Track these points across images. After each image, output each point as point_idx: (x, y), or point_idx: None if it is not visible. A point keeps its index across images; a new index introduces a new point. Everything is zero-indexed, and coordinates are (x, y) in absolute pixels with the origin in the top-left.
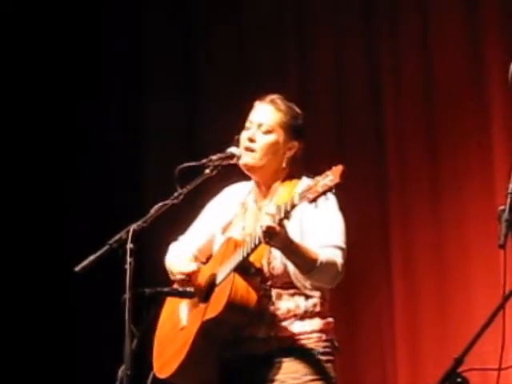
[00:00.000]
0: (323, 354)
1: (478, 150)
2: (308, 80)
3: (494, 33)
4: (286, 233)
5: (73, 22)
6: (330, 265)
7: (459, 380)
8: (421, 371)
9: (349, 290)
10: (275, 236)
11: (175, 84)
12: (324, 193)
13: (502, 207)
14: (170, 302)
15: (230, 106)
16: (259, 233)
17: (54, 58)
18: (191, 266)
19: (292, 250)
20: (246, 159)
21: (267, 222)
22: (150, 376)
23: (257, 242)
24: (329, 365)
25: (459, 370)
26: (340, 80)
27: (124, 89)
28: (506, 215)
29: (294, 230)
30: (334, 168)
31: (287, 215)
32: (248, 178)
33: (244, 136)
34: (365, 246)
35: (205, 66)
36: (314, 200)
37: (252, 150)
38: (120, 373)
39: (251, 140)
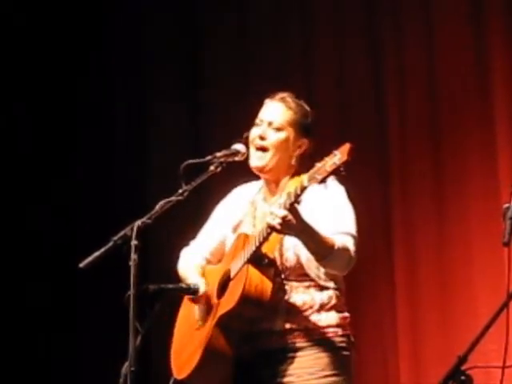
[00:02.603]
0: (339, 349)
1: (482, 148)
2: (311, 80)
3: (498, 33)
4: (300, 217)
5: (74, 22)
6: (344, 251)
7: (463, 378)
8: (423, 369)
9: (351, 287)
10: (287, 224)
11: (179, 81)
12: (333, 172)
13: (506, 205)
14: (185, 303)
15: (233, 103)
16: (270, 221)
17: (55, 57)
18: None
19: (309, 235)
20: (256, 162)
21: (277, 210)
22: (171, 382)
23: (268, 231)
24: (345, 360)
25: (463, 367)
26: (344, 80)
27: (127, 86)
28: (510, 213)
29: (307, 217)
30: (341, 147)
31: (297, 199)
32: (255, 175)
33: (254, 133)
34: (368, 244)
35: (207, 65)
36: (322, 180)
37: (264, 149)
38: (124, 369)
39: (262, 138)
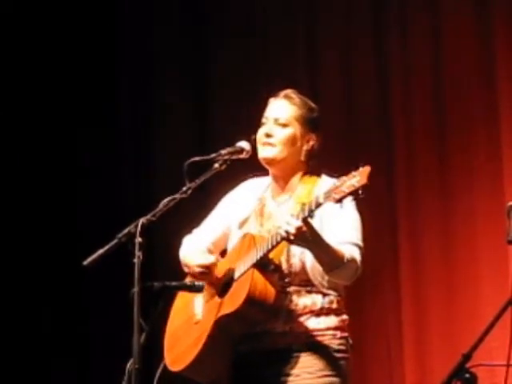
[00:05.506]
0: (338, 351)
1: (488, 146)
2: (316, 79)
3: (504, 31)
4: (314, 230)
5: (83, 21)
6: (352, 262)
7: (467, 375)
8: (428, 368)
9: (355, 286)
10: (301, 235)
11: (185, 80)
12: (350, 193)
13: (510, 203)
14: (182, 295)
15: (238, 101)
16: (282, 232)
17: (62, 55)
18: (210, 259)
19: (322, 248)
20: (265, 153)
21: (293, 221)
22: (161, 367)
23: (279, 239)
24: (343, 362)
25: (467, 365)
26: (349, 80)
27: (134, 84)
28: None
29: (315, 226)
30: (360, 169)
31: (311, 214)
32: (259, 173)
33: (261, 132)
34: (372, 242)
35: (213, 64)
36: (339, 200)
37: (271, 145)
38: (128, 367)
39: (268, 135)
